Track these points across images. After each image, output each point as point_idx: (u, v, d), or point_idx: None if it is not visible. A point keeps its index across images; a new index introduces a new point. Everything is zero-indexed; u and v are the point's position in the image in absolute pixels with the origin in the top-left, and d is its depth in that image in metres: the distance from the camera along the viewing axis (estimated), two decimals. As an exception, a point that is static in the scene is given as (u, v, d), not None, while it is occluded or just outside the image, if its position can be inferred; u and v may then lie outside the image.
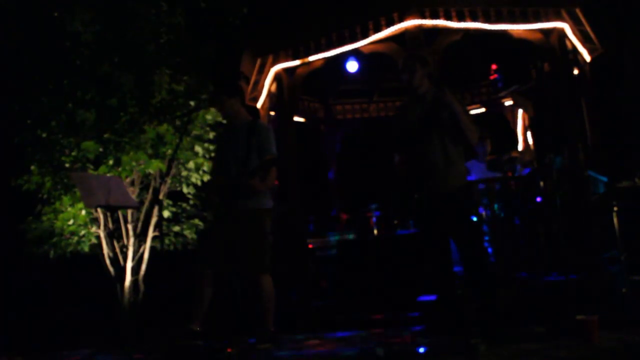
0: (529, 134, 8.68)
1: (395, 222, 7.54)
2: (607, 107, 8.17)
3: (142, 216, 5.47)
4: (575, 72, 7.41)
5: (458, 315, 3.62)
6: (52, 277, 6.50)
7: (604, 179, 6.47)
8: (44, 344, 5.46)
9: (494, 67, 8.18)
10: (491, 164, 6.62)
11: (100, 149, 5.23)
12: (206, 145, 5.60)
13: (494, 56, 7.99)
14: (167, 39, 5.54)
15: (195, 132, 5.56)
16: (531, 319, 4.11)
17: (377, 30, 6.60)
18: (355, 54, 6.97)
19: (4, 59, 5.47)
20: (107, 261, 5.39)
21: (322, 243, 7.60)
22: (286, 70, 7.36)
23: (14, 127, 5.43)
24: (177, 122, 5.35)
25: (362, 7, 6.68)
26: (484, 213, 5.93)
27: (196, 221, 5.81)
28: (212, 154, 5.48)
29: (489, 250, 5.72)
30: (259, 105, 7.96)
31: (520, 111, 8.98)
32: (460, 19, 6.41)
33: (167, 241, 5.65)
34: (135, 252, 5.38)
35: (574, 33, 7.02)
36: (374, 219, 7.55)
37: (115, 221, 5.40)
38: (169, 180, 5.51)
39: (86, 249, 5.39)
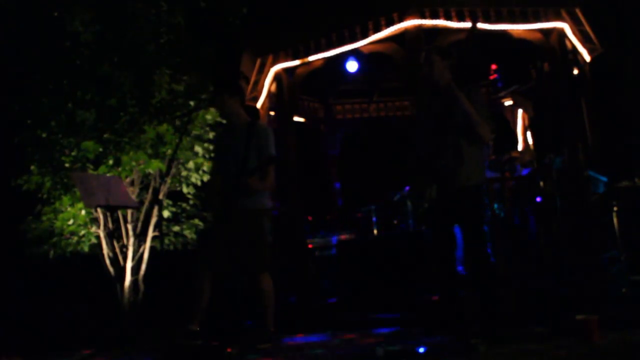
0: (529, 134, 8.68)
1: (395, 222, 7.54)
2: (607, 107, 8.17)
3: (142, 216, 5.47)
4: (575, 72, 7.40)
5: (458, 315, 3.62)
6: (52, 277, 6.49)
7: (604, 179, 6.48)
8: (44, 344, 5.46)
9: (494, 67, 8.19)
10: (491, 164, 6.63)
11: (100, 149, 5.23)
12: (206, 145, 5.60)
13: (494, 56, 8.00)
14: (167, 39, 5.54)
15: (195, 132, 5.56)
16: (531, 319, 4.11)
17: (377, 30, 6.61)
18: (355, 54, 6.98)
19: (4, 59, 5.47)
20: (107, 261, 5.39)
21: (322, 243, 7.60)
22: (286, 70, 7.36)
23: (14, 127, 5.42)
24: (177, 122, 5.35)
25: (362, 7, 6.68)
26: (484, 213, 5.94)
27: (196, 221, 5.81)
28: (212, 154, 5.48)
29: (489, 250, 5.72)
30: (259, 105, 7.96)
31: (520, 111, 8.99)
32: (460, 19, 6.41)
33: (167, 241, 5.65)
34: (135, 252, 5.38)
35: (574, 33, 7.02)
36: (374, 219, 7.55)
37: (115, 221, 5.40)
38: (169, 180, 5.51)
39: (86, 249, 5.39)
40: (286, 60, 7.29)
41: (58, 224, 5.25)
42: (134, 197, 5.27)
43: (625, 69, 8.62)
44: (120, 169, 5.20)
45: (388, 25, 6.53)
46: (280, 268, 6.35)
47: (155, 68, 5.35)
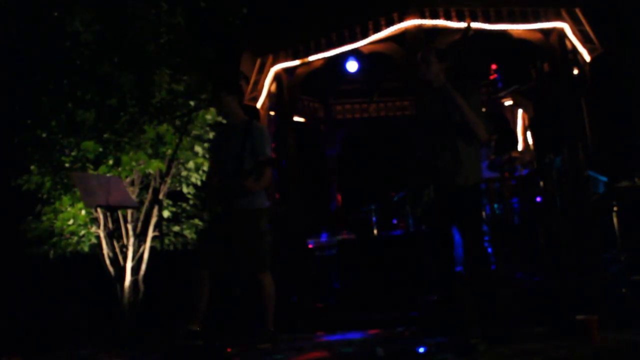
0: (529, 134, 8.68)
1: (395, 222, 7.54)
2: (607, 107, 8.17)
3: (142, 216, 5.47)
4: (575, 72, 7.41)
5: (458, 315, 3.62)
6: (52, 277, 6.49)
7: (604, 179, 6.48)
8: (44, 343, 5.46)
9: (494, 67, 8.19)
10: (491, 164, 6.63)
11: (100, 149, 5.23)
12: (206, 145, 5.60)
13: (494, 56, 8.00)
14: (167, 39, 5.54)
15: (195, 132, 5.56)
16: (531, 319, 4.11)
17: (377, 30, 6.61)
18: (355, 54, 6.98)
19: (4, 59, 5.47)
20: (107, 261, 5.38)
21: (322, 243, 7.60)
22: (286, 70, 7.36)
23: (14, 127, 5.42)
24: (177, 122, 5.35)
25: (362, 7, 6.69)
26: (484, 213, 5.93)
27: (196, 221, 5.81)
28: (210, 153, 5.48)
29: (489, 250, 5.72)
30: (258, 105, 7.96)
31: (520, 111, 8.99)
32: (460, 19, 6.41)
33: (167, 241, 5.65)
34: (135, 252, 5.38)
35: (574, 33, 7.02)
36: (374, 219, 7.55)
37: (115, 221, 5.40)
38: (168, 180, 5.51)
39: (86, 249, 5.39)
40: (286, 60, 7.29)
41: (58, 224, 5.25)
42: (134, 197, 5.27)
43: (625, 69, 8.62)
44: (120, 169, 5.20)
45: (388, 25, 6.53)
46: (280, 268, 6.36)
47: (155, 68, 5.35)
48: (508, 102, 9.14)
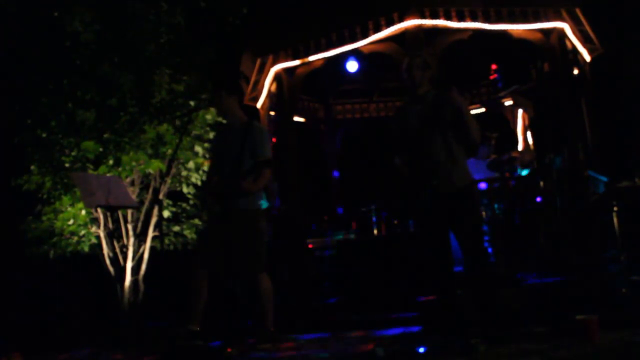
0: (529, 134, 8.68)
1: (395, 222, 7.54)
2: (607, 107, 8.17)
3: (142, 216, 5.47)
4: (575, 72, 7.41)
5: (458, 315, 3.62)
6: (52, 277, 6.50)
7: (604, 179, 6.48)
8: (44, 344, 5.46)
9: (494, 67, 8.18)
10: (491, 164, 6.62)
11: (100, 149, 5.23)
12: (206, 145, 5.60)
13: (494, 56, 7.99)
14: (167, 39, 5.54)
15: (195, 132, 5.56)
16: (531, 319, 4.11)
17: (377, 30, 6.61)
18: (355, 54, 6.98)
19: (4, 59, 5.47)
20: (107, 261, 5.39)
21: (322, 243, 7.60)
22: (286, 70, 7.36)
23: (14, 127, 5.42)
24: (177, 122, 5.35)
25: (362, 7, 6.69)
26: (484, 213, 5.93)
27: (196, 221, 5.81)
28: (210, 153, 5.48)
29: (489, 250, 5.72)
30: (259, 105, 7.96)
31: (520, 111, 8.99)
32: (460, 19, 6.42)
33: (167, 241, 5.65)
34: (135, 252, 5.38)
35: (574, 33, 7.02)
36: (374, 219, 7.55)
37: (115, 221, 5.40)
38: (169, 180, 5.51)
39: (86, 249, 5.39)
40: (286, 60, 7.29)
41: (58, 224, 5.25)
42: (134, 197, 5.27)
43: (625, 69, 8.63)
44: (120, 169, 5.20)
45: (388, 25, 6.53)
46: (280, 268, 6.36)
47: (155, 68, 5.35)
48: (508, 102, 9.14)
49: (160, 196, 5.25)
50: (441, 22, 6.40)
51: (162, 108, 5.37)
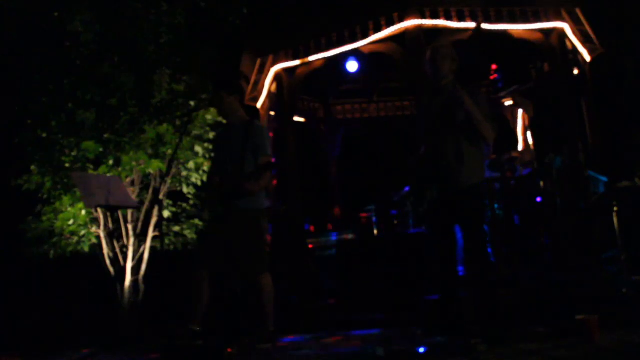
0: (529, 134, 8.68)
1: (395, 222, 7.54)
2: (607, 107, 8.17)
3: (142, 216, 5.47)
4: (575, 72, 7.41)
5: (458, 315, 3.62)
6: (52, 277, 6.50)
7: (604, 179, 6.48)
8: (44, 344, 5.46)
9: (494, 67, 8.19)
10: (491, 164, 6.63)
11: (100, 149, 5.23)
12: (206, 145, 5.60)
13: (494, 56, 8.00)
14: (167, 39, 5.54)
15: (195, 132, 5.56)
16: (531, 319, 4.11)
17: (377, 30, 6.61)
18: (355, 54, 6.98)
19: (4, 59, 5.47)
20: (107, 261, 5.39)
21: (322, 243, 7.60)
22: (286, 70, 7.36)
23: (14, 127, 5.42)
24: (177, 122, 5.35)
25: (362, 7, 6.69)
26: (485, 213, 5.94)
27: (196, 221, 5.81)
28: (211, 154, 5.48)
29: (489, 250, 5.72)
30: (259, 105, 7.96)
31: (520, 111, 8.99)
32: (461, 19, 6.42)
33: (167, 241, 5.64)
34: (135, 252, 5.38)
35: (574, 33, 7.02)
36: (374, 219, 7.55)
37: (115, 221, 5.40)
38: (169, 180, 5.51)
39: (86, 249, 5.38)
40: (286, 60, 7.29)
41: (58, 224, 5.25)
42: (134, 197, 5.27)
43: (625, 69, 8.63)
44: (120, 169, 5.20)
45: (388, 25, 6.53)
46: (280, 268, 6.36)
47: (155, 68, 5.35)
48: (508, 102, 9.14)
49: (160, 196, 5.24)
50: (441, 22, 6.40)
51: (162, 108, 5.36)
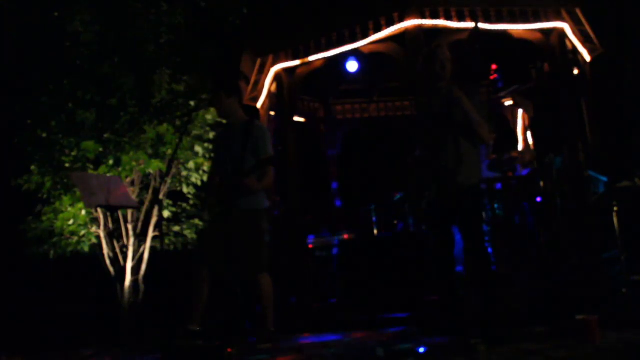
0: (529, 134, 8.68)
1: (395, 222, 7.54)
2: (607, 107, 8.17)
3: (142, 216, 5.47)
4: (575, 72, 7.41)
5: (458, 315, 3.62)
6: (52, 277, 6.50)
7: (604, 179, 6.48)
8: (44, 343, 5.46)
9: (494, 67, 8.18)
10: (491, 164, 6.63)
11: (100, 149, 5.23)
12: (206, 145, 5.60)
13: (494, 56, 7.99)
14: (167, 39, 5.54)
15: (195, 132, 5.56)
16: (531, 319, 4.11)
17: (377, 30, 6.61)
18: (355, 54, 6.97)
19: (4, 59, 5.48)
20: (107, 261, 5.39)
21: (322, 243, 7.59)
22: (286, 70, 7.36)
23: (14, 127, 5.43)
24: (177, 122, 5.36)
25: (362, 7, 6.68)
26: (484, 213, 5.93)
27: (196, 221, 5.81)
28: (211, 154, 5.48)
29: (489, 250, 5.72)
30: (259, 105, 7.96)
31: (520, 111, 8.99)
32: (461, 19, 6.41)
33: (167, 241, 5.65)
34: (135, 252, 5.38)
35: (574, 33, 7.02)
36: (374, 219, 7.55)
37: (115, 221, 5.40)
38: (169, 180, 5.51)
39: (86, 249, 5.39)
40: (286, 60, 7.29)
41: (58, 224, 5.25)
42: (134, 197, 5.27)
43: (625, 69, 8.63)
44: (120, 169, 5.20)
45: (388, 25, 6.53)
46: (280, 268, 6.36)
47: (155, 68, 5.35)
48: (508, 102, 9.14)
49: (160, 196, 5.24)
50: (441, 22, 6.40)
51: (162, 108, 5.37)
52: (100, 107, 5.23)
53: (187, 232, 5.75)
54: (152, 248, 5.44)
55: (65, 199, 5.29)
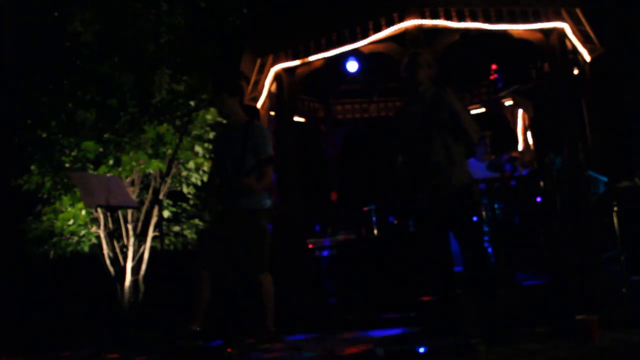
0: (529, 134, 8.68)
1: (395, 222, 7.53)
2: (607, 107, 8.17)
3: (142, 216, 5.47)
4: (575, 72, 7.41)
5: (458, 315, 3.62)
6: (52, 277, 6.50)
7: (604, 179, 6.48)
8: (44, 343, 5.46)
9: (494, 67, 8.18)
10: (491, 164, 6.62)
11: (100, 149, 5.23)
12: (206, 145, 5.61)
13: (494, 56, 8.00)
14: (167, 39, 5.55)
15: (195, 132, 5.56)
16: (531, 319, 4.11)
17: (377, 30, 6.61)
18: (355, 54, 6.97)
19: (4, 59, 5.48)
20: (107, 261, 5.39)
21: (322, 243, 7.59)
22: (286, 70, 7.35)
23: (14, 127, 5.43)
24: (177, 122, 5.36)
25: (362, 7, 6.68)
26: (484, 213, 5.93)
27: (196, 221, 5.81)
28: (211, 154, 5.49)
29: (489, 250, 5.72)
30: (259, 105, 7.96)
31: (520, 111, 8.99)
32: (460, 19, 6.41)
33: (167, 241, 5.65)
34: (135, 252, 5.38)
35: (574, 33, 7.02)
36: (374, 219, 7.54)
37: (115, 221, 5.40)
38: (169, 180, 5.51)
39: (86, 249, 5.39)
40: (286, 60, 7.29)
41: (58, 224, 5.25)
42: (134, 197, 5.27)
43: (625, 69, 8.63)
44: (120, 169, 5.20)
45: (388, 25, 6.53)
46: (280, 268, 6.35)
47: (155, 68, 5.35)
48: (508, 102, 9.14)
49: (160, 196, 5.25)
50: (441, 22, 6.39)
51: (162, 108, 5.37)
52: (100, 107, 5.23)
53: (187, 232, 5.75)
54: (152, 248, 5.44)
55: (65, 199, 5.29)
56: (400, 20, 6.44)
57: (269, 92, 7.73)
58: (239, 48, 7.25)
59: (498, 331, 3.49)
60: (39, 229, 5.33)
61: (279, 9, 7.20)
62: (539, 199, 5.94)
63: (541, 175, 5.80)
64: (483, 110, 9.48)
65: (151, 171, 5.39)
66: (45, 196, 5.39)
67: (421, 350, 3.52)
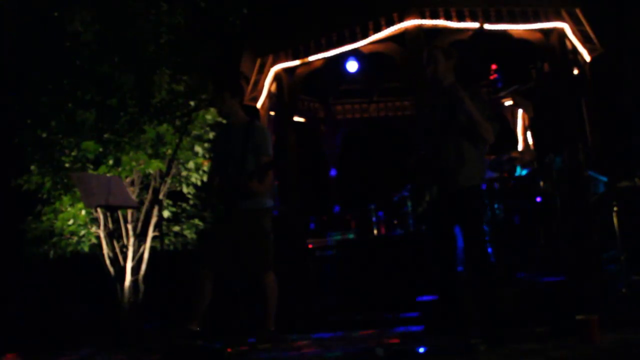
0: (529, 134, 8.67)
1: (395, 222, 7.53)
2: (607, 107, 8.17)
3: (142, 216, 5.47)
4: (575, 72, 7.40)
5: (458, 315, 3.62)
6: (52, 277, 6.50)
7: (604, 179, 6.47)
8: (44, 343, 5.46)
9: (494, 67, 8.18)
10: (491, 164, 6.62)
11: (100, 149, 5.23)
12: (206, 145, 5.61)
13: (494, 56, 7.99)
14: (167, 39, 5.55)
15: (195, 132, 5.56)
16: (531, 319, 4.11)
17: (377, 30, 6.60)
18: (355, 54, 6.96)
19: (4, 59, 5.48)
20: (107, 261, 5.39)
21: (322, 243, 7.59)
22: (286, 70, 7.35)
23: (14, 127, 5.43)
24: (177, 122, 5.36)
25: (362, 7, 6.68)
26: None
27: (196, 221, 5.81)
28: (211, 154, 5.49)
29: (489, 250, 5.71)
30: (258, 105, 7.96)
31: (520, 111, 8.98)
32: (460, 19, 6.41)
33: (167, 241, 5.65)
34: (135, 252, 5.38)
35: (574, 33, 7.02)
36: (374, 219, 7.54)
37: (115, 221, 5.40)
38: (169, 180, 5.51)
39: (86, 249, 5.39)
40: (286, 60, 7.28)
41: (58, 224, 5.25)
42: (134, 197, 5.27)
43: (625, 69, 8.63)
44: (120, 169, 5.20)
45: (388, 25, 6.52)
46: (280, 268, 6.35)
47: (155, 68, 5.35)
48: (508, 102, 9.13)
49: (160, 196, 5.25)
50: (441, 22, 6.39)
51: (162, 108, 5.37)
52: (100, 107, 5.23)
53: (187, 232, 5.76)
54: (152, 248, 5.44)
55: (65, 199, 5.29)
56: (400, 20, 6.43)
57: (269, 92, 7.73)
58: (239, 48, 7.24)
59: (498, 331, 3.48)
60: (38, 229, 5.33)
61: (279, 9, 7.20)
62: (539, 199, 5.94)
63: (541, 175, 5.80)
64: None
65: (151, 171, 5.39)
66: (45, 196, 5.39)
67: (421, 350, 3.52)
